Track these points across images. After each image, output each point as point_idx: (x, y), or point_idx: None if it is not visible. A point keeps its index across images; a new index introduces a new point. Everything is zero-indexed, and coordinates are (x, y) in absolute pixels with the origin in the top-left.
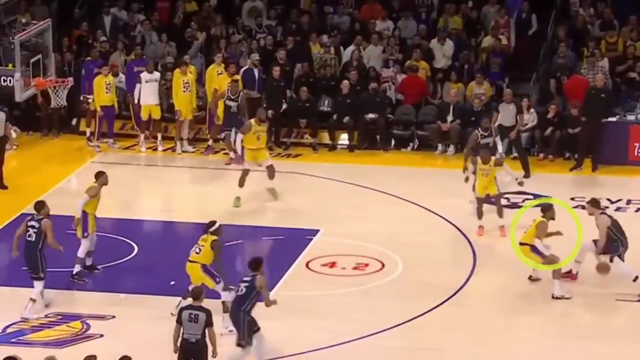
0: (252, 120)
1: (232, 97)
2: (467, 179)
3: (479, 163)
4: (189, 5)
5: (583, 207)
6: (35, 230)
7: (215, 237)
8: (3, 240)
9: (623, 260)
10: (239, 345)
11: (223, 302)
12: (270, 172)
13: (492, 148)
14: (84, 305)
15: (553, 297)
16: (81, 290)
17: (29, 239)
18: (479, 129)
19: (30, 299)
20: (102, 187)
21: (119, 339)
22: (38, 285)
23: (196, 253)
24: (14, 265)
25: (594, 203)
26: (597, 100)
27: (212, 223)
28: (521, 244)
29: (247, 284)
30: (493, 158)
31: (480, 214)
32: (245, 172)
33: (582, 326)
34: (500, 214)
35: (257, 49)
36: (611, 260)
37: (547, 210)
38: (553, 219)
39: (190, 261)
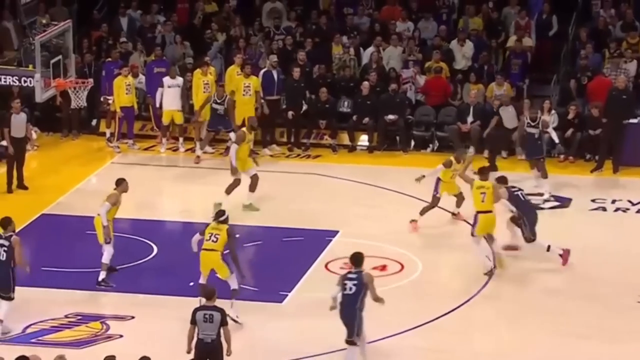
0: (245, 129)
1: (219, 101)
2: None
3: (454, 163)
4: (208, 6)
5: (604, 209)
6: (5, 248)
7: (227, 225)
8: (24, 241)
9: (531, 240)
10: (352, 343)
11: (233, 290)
12: (254, 182)
13: (536, 140)
14: (104, 306)
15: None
16: (100, 291)
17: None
18: (527, 117)
19: None
20: (122, 194)
21: (138, 340)
22: (7, 305)
23: (213, 242)
24: (33, 266)
25: (500, 179)
26: (618, 102)
27: (222, 212)
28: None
29: (355, 282)
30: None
31: (424, 212)
32: (237, 182)
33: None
34: (458, 205)
35: (276, 50)
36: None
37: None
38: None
39: (209, 249)
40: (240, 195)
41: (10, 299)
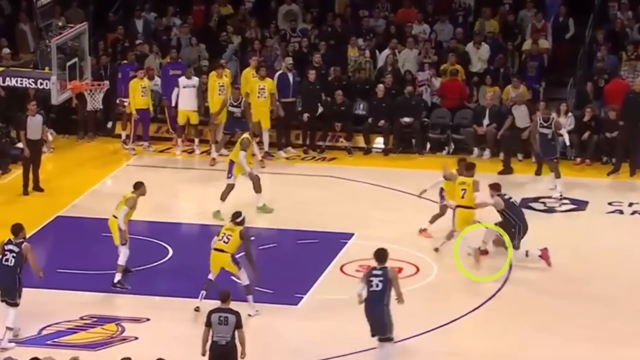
0: (248, 135)
1: (235, 104)
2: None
3: (454, 175)
4: (224, 8)
5: (621, 212)
6: (15, 254)
7: (242, 227)
8: (39, 243)
9: (518, 248)
10: (387, 339)
11: (245, 286)
12: (256, 183)
13: (550, 141)
14: (119, 308)
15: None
16: (116, 293)
17: (7, 263)
18: (540, 118)
19: (7, 327)
20: (139, 197)
21: (154, 342)
22: (14, 312)
23: (224, 242)
24: (48, 268)
25: (494, 186)
26: (635, 104)
27: (239, 214)
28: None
29: (381, 279)
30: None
31: (433, 220)
32: (231, 187)
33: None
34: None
35: (291, 53)
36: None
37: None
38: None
39: (219, 250)
40: (244, 198)
41: (15, 305)
